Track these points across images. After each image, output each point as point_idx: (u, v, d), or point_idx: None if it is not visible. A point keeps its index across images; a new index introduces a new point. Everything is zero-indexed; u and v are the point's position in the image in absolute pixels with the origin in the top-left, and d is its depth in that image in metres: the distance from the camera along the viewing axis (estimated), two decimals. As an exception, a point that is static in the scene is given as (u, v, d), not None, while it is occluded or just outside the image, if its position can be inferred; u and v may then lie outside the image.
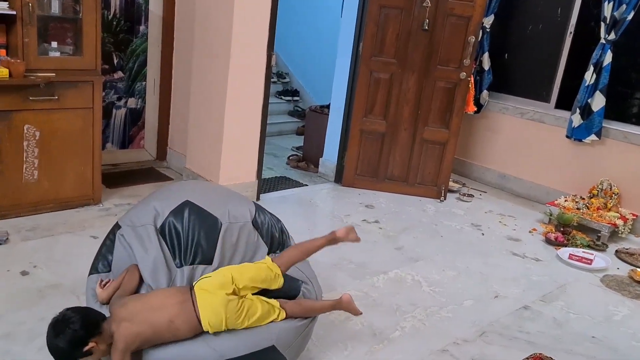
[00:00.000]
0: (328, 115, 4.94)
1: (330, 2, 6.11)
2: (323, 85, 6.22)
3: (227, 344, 1.95)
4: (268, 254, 2.30)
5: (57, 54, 3.38)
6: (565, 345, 2.71)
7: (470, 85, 4.58)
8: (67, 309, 1.85)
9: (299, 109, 6.85)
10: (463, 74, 4.38)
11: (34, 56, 3.20)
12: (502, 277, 3.39)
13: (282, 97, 6.91)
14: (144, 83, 4.36)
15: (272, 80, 5.54)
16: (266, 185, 4.56)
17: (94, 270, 2.22)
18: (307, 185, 4.77)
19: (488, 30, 4.97)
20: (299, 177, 4.95)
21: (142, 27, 4.23)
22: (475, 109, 4.96)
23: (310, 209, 4.25)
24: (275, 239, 2.38)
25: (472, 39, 4.31)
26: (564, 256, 3.71)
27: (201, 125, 4.02)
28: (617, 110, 4.48)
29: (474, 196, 4.83)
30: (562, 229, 4.11)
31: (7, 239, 3.06)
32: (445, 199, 4.66)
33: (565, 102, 4.71)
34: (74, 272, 2.83)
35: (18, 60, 3.09)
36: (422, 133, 4.55)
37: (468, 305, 3.00)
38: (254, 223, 2.33)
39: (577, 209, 4.28)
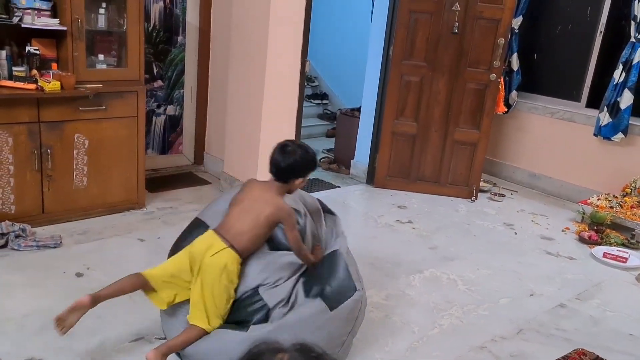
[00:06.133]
0: (358, 118, 5.04)
1: (360, 8, 6.21)
2: (352, 89, 6.30)
3: None
4: None
5: (104, 66, 3.55)
6: (603, 342, 2.75)
7: (500, 87, 4.63)
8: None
9: (328, 112, 6.95)
10: (493, 76, 4.44)
11: (83, 69, 3.37)
12: (536, 276, 3.43)
13: (312, 100, 7.02)
14: (182, 91, 4.52)
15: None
16: (300, 187, 4.67)
17: (172, 253, 2.52)
18: (339, 186, 4.87)
19: (517, 31, 5.00)
20: (331, 179, 5.06)
21: (180, 38, 4.39)
22: (505, 109, 5.00)
23: (344, 209, 4.34)
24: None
25: (501, 40, 4.35)
26: (599, 255, 3.74)
27: (238, 130, 4.15)
28: (648, 109, 4.48)
29: (505, 196, 4.86)
30: (595, 228, 4.12)
31: (61, 242, 3.23)
32: (476, 198, 4.71)
33: (596, 101, 4.70)
34: (125, 273, 2.91)
35: (69, 74, 3.27)
36: (453, 134, 4.61)
37: (504, 304, 3.06)
38: (324, 209, 2.74)
39: (611, 207, 4.29)
